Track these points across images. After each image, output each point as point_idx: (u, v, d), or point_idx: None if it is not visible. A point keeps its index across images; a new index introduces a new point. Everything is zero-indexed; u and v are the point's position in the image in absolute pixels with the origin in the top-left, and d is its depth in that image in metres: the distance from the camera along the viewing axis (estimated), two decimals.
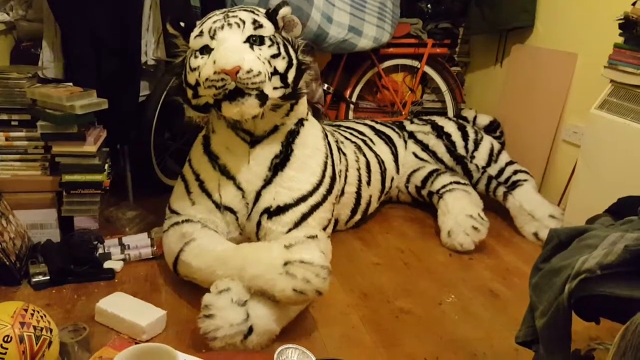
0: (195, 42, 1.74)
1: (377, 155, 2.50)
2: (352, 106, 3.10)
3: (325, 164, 2.03)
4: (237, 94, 1.66)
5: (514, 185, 2.52)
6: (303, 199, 1.93)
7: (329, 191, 2.02)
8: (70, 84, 2.12)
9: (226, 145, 1.94)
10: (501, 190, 2.55)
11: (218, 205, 1.92)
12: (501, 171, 2.57)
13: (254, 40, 1.72)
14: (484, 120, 2.95)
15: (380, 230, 2.43)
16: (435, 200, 2.51)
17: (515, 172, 2.56)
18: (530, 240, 2.38)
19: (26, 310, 1.29)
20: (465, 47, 3.45)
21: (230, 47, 1.64)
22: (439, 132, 2.64)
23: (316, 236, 1.88)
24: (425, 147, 2.65)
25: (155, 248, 2.01)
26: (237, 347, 1.49)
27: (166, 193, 2.09)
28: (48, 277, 1.79)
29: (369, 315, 1.77)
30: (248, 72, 1.63)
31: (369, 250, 2.24)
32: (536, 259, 1.38)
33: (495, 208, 2.61)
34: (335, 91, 3.05)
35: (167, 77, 2.35)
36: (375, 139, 2.60)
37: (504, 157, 2.61)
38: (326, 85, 2.95)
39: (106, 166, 2.02)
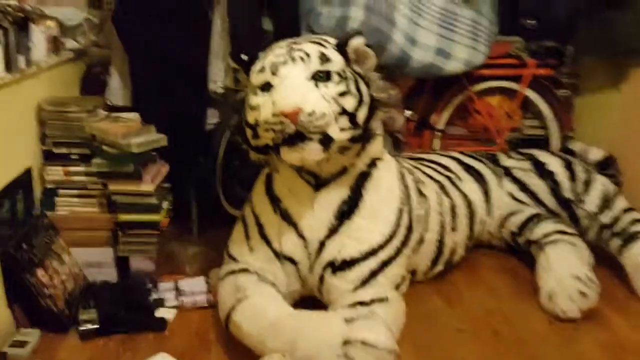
0: (256, 78, 1.56)
1: (464, 196, 2.19)
2: (438, 134, 2.79)
3: (401, 211, 1.77)
4: (297, 138, 1.45)
5: (632, 237, 2.09)
6: (373, 252, 1.69)
7: (404, 243, 1.76)
8: (136, 114, 2.04)
9: (289, 187, 1.73)
10: (616, 242, 2.14)
11: (277, 255, 1.73)
12: (616, 220, 2.16)
13: (321, 76, 1.50)
14: (595, 155, 2.52)
15: (467, 284, 2.12)
16: (534, 250, 2.15)
17: (634, 222, 2.13)
18: None
19: None
20: (574, 67, 3.01)
21: (291, 86, 1.44)
22: (541, 170, 2.27)
23: (386, 298, 1.63)
24: (523, 187, 2.29)
25: (210, 295, 1.85)
26: None
27: (231, 224, 1.93)
28: (96, 326, 1.68)
29: None
30: (310, 114, 1.41)
31: (452, 311, 1.93)
32: None
33: (609, 261, 2.19)
34: (419, 118, 2.76)
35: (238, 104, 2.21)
36: (463, 175, 2.28)
37: (621, 203, 2.19)
38: (409, 112, 2.67)
39: (165, 205, 1.90)
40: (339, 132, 1.53)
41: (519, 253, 2.28)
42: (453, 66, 2.51)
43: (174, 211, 2.33)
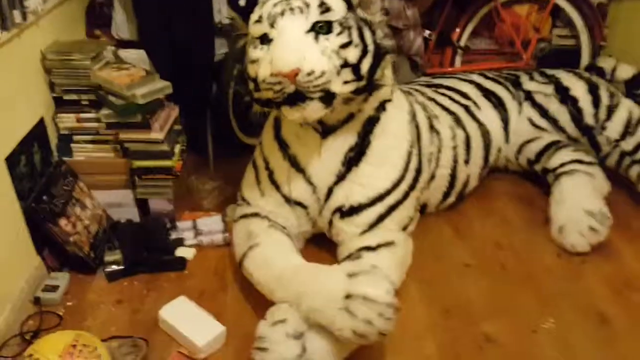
0: (254, 29, 1.49)
1: (481, 126, 2.13)
2: (460, 51, 2.65)
3: (410, 154, 1.76)
4: (297, 98, 1.41)
5: None
6: (380, 198, 1.71)
7: (412, 186, 1.77)
8: (141, 52, 2.01)
9: (296, 133, 1.72)
10: (636, 170, 2.10)
11: (288, 199, 1.76)
12: (638, 147, 2.09)
13: (321, 28, 1.42)
14: (625, 72, 2.38)
15: (479, 214, 2.13)
16: (550, 179, 2.13)
17: None
18: None
19: (75, 347, 1.27)
20: None
21: (287, 44, 1.37)
22: (564, 95, 2.17)
23: (393, 242, 1.68)
24: (544, 113, 2.21)
25: (227, 234, 1.93)
26: None
27: (246, 154, 1.97)
28: (122, 267, 1.79)
29: (448, 343, 1.56)
30: (309, 74, 1.36)
31: (461, 243, 1.97)
32: None
33: (628, 188, 2.17)
34: (440, 33, 2.62)
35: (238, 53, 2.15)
36: (482, 102, 2.21)
37: None
38: (427, 32, 2.53)
39: (177, 148, 1.92)
40: (342, 85, 1.48)
41: (535, 178, 2.26)
42: None
43: (191, 143, 2.37)
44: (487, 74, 2.36)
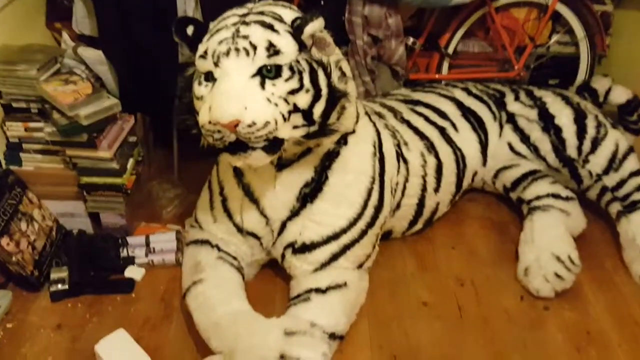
0: (199, 64, 1.37)
1: (455, 151, 2.02)
2: (447, 57, 2.49)
3: (370, 190, 1.66)
4: (238, 147, 1.31)
5: (634, 206, 1.94)
6: (335, 237, 1.63)
7: (371, 224, 1.68)
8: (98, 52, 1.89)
9: None
10: (615, 207, 1.99)
11: (240, 229, 1.69)
12: (621, 183, 1.98)
13: (268, 72, 1.30)
14: (619, 96, 2.23)
15: (446, 242, 2.05)
16: (524, 210, 2.03)
17: None
18: (637, 283, 1.88)
19: None
20: None
21: (228, 92, 1.26)
22: (548, 122, 2.04)
23: (344, 284, 1.61)
24: (525, 139, 2.09)
25: (179, 255, 1.86)
26: None
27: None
28: (66, 287, 1.74)
29: None
30: (250, 125, 1.25)
31: (421, 277, 1.90)
32: None
33: (607, 222, 2.07)
34: (429, 35, 2.45)
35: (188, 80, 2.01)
36: (461, 123, 2.08)
37: (630, 164, 1.99)
38: (411, 40, 2.37)
39: (130, 163, 1.83)
40: (291, 130, 1.37)
41: (511, 203, 2.16)
42: None
43: (158, 143, 2.28)
44: (471, 88, 2.22)
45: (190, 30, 1.40)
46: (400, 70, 2.28)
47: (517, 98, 2.16)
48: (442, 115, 2.08)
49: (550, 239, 1.83)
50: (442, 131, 2.03)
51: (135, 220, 2.03)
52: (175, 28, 1.40)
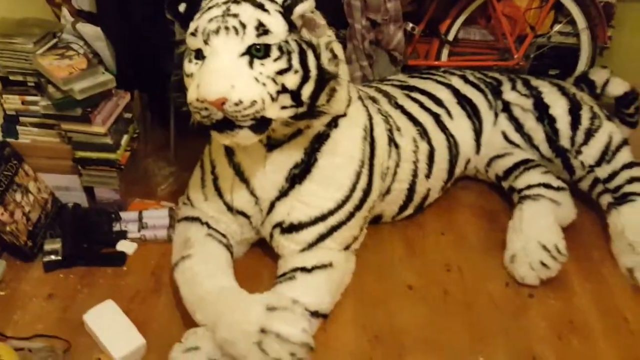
0: (190, 42, 1.38)
1: (449, 138, 2.03)
2: (447, 45, 2.49)
3: (359, 174, 1.68)
4: (226, 125, 1.33)
5: (624, 198, 1.95)
6: (322, 218, 1.65)
7: (358, 207, 1.71)
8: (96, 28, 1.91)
9: None
10: (606, 199, 2.00)
11: (230, 207, 1.72)
12: (613, 175, 1.99)
13: (257, 51, 1.31)
14: (617, 88, 2.22)
15: (436, 228, 2.06)
16: (515, 199, 2.04)
17: (631, 181, 1.96)
18: (624, 274, 1.89)
19: None
20: None
21: (216, 70, 1.27)
22: (542, 112, 2.05)
23: (330, 264, 1.64)
24: (519, 128, 2.09)
25: (171, 231, 1.89)
26: None
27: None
28: (59, 258, 1.78)
29: None
30: (237, 104, 1.27)
31: (409, 261, 1.92)
32: None
33: (598, 213, 2.08)
34: (429, 21, 2.44)
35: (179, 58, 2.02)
36: (455, 110, 2.09)
37: (623, 157, 2.00)
38: (410, 25, 2.36)
39: (124, 139, 1.85)
40: (279, 110, 1.38)
41: (504, 192, 2.17)
42: None
43: (155, 121, 2.30)
44: (468, 76, 2.22)
45: (182, 7, 1.41)
46: (398, 55, 2.28)
47: (513, 87, 2.16)
48: (437, 102, 2.08)
49: (538, 228, 1.84)
50: (436, 118, 2.03)
51: (130, 196, 2.05)
52: (168, 5, 1.41)
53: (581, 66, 2.55)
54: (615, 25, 2.60)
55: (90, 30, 1.97)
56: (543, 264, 1.77)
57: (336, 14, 2.23)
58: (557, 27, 2.56)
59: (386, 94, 2.02)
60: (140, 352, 1.53)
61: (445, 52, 2.50)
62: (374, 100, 1.93)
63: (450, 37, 2.46)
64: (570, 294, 1.82)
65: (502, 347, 1.64)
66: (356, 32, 2.20)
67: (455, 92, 2.13)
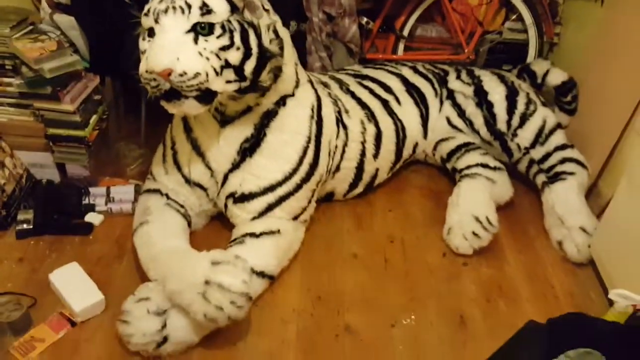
0: (144, 21, 1.55)
1: (396, 122, 2.20)
2: (402, 40, 2.66)
3: (305, 149, 1.84)
4: (173, 95, 1.49)
5: (556, 177, 2.11)
6: (271, 188, 1.81)
7: (305, 180, 1.86)
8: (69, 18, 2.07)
9: (199, 119, 1.81)
10: (541, 179, 2.17)
11: (188, 180, 1.87)
12: (546, 156, 2.15)
13: (202, 29, 1.48)
14: (556, 78, 2.39)
15: (385, 206, 2.23)
16: (457, 179, 2.21)
17: (563, 161, 2.12)
18: (555, 247, 2.05)
19: None
20: None
21: (163, 44, 1.44)
22: (481, 98, 2.22)
23: (277, 231, 1.79)
24: (462, 114, 2.26)
25: (137, 204, 2.04)
26: (150, 353, 1.54)
27: None
28: (31, 226, 1.93)
29: (308, 329, 1.70)
30: (181, 74, 1.43)
31: (356, 234, 2.08)
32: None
33: (537, 193, 2.24)
34: (385, 18, 2.62)
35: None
36: (404, 97, 2.26)
37: (556, 139, 2.16)
38: (365, 20, 2.54)
39: (93, 119, 2.01)
40: (224, 84, 1.55)
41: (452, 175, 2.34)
42: None
43: (127, 108, 2.46)
44: (418, 67, 2.39)
45: None
46: (354, 47, 2.45)
47: (458, 76, 2.33)
48: (387, 89, 2.25)
49: (472, 202, 2.01)
50: (385, 103, 2.20)
51: (101, 175, 2.21)
52: None
53: (530, 60, 2.72)
54: (562, 23, 2.78)
55: (65, 20, 2.13)
56: (475, 234, 1.93)
57: (298, 8, 2.41)
58: (507, 24, 2.73)
59: (338, 81, 2.19)
60: (99, 306, 1.67)
61: (401, 47, 2.67)
62: (325, 85, 2.10)
63: (405, 32, 2.63)
64: (502, 263, 1.98)
65: (434, 307, 1.79)
66: (314, 24, 2.37)
67: (405, 81, 2.30)
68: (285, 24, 2.02)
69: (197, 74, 1.45)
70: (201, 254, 1.61)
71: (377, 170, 2.18)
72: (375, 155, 2.14)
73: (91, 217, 2.00)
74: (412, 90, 2.28)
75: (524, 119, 2.15)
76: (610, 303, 1.45)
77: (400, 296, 1.82)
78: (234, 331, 1.64)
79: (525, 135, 2.15)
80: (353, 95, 2.15)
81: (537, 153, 2.16)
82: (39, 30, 1.97)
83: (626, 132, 2.07)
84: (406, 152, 2.27)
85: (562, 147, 2.15)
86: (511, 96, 2.18)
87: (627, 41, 2.14)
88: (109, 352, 1.57)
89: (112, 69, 2.21)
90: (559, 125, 2.19)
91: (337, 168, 2.05)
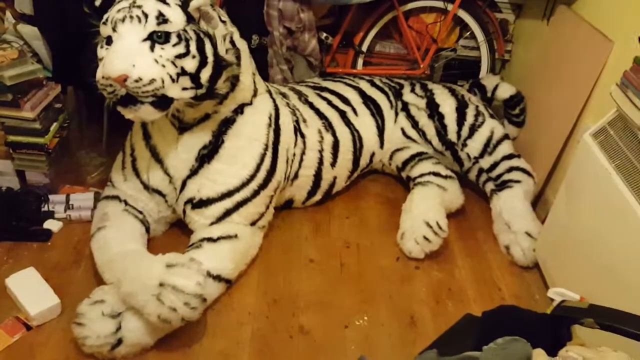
0: (102, 30, 1.61)
1: (353, 132, 2.28)
2: (361, 55, 2.77)
3: (263, 156, 1.91)
4: (129, 101, 1.54)
5: (504, 185, 2.22)
6: (228, 194, 1.86)
7: (263, 186, 1.92)
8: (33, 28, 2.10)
9: (159, 126, 1.86)
10: (489, 186, 2.27)
11: (146, 186, 1.91)
12: (494, 165, 2.26)
13: (159, 37, 1.54)
14: (505, 92, 2.52)
15: (342, 213, 2.30)
16: (411, 187, 2.30)
17: (510, 170, 2.23)
18: (502, 252, 2.15)
19: None
20: None
21: (118, 51, 1.49)
22: (433, 110, 2.32)
23: (235, 235, 1.84)
24: (415, 125, 2.36)
25: (95, 210, 2.07)
26: (105, 356, 1.56)
27: None
28: None
29: (263, 330, 1.75)
30: (136, 80, 1.49)
31: (314, 240, 2.14)
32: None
33: (487, 201, 2.34)
34: (345, 34, 2.72)
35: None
36: (361, 109, 2.35)
37: (503, 149, 2.27)
38: (324, 35, 2.64)
39: (53, 127, 2.04)
40: (181, 91, 1.61)
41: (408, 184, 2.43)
42: None
43: (91, 118, 2.48)
44: (376, 80, 2.49)
45: (98, 2, 1.63)
46: (314, 61, 2.54)
47: (412, 90, 2.43)
48: (345, 100, 2.34)
49: (424, 208, 2.09)
50: (342, 114, 2.28)
51: (62, 183, 2.23)
52: (85, 0, 1.64)
53: (482, 76, 2.85)
54: (513, 40, 2.93)
55: (29, 31, 2.16)
56: (426, 239, 2.02)
57: (261, 23, 2.49)
58: (460, 42, 2.87)
59: (297, 92, 2.27)
60: (55, 310, 1.69)
61: (360, 62, 2.77)
62: (284, 95, 2.18)
63: (364, 47, 2.74)
64: (452, 267, 2.07)
65: (385, 308, 1.86)
66: (275, 38, 2.46)
67: (362, 94, 2.39)
68: (248, 38, 2.10)
69: (152, 80, 1.51)
70: (156, 257, 1.64)
71: (335, 178, 2.25)
72: (333, 164, 2.21)
73: (50, 224, 2.02)
74: (369, 102, 2.37)
75: (472, 130, 2.26)
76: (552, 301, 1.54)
77: (354, 298, 1.89)
78: (189, 333, 1.68)
79: (474, 146, 2.26)
80: (311, 105, 2.23)
81: (486, 162, 2.26)
82: (2, 40, 2.01)
83: (569, 143, 2.20)
84: (363, 161, 2.35)
85: (509, 157, 2.26)
86: (461, 108, 2.29)
87: (568, 58, 2.28)
88: (64, 355, 1.59)
89: (74, 78, 2.24)
90: (506, 136, 2.30)
91: (296, 176, 2.12)
